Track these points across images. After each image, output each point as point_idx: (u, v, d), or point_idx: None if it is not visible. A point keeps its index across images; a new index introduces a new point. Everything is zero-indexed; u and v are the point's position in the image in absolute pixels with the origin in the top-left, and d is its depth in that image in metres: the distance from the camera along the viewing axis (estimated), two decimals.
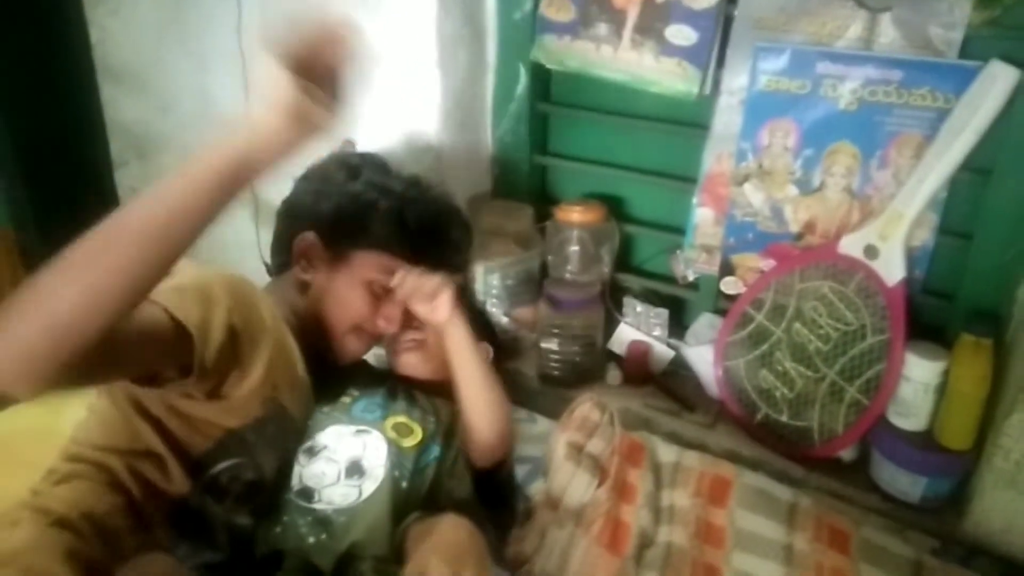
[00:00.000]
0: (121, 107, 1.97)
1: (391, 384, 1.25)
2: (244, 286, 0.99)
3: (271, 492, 1.08)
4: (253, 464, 1.04)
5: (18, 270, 2.83)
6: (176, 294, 0.85)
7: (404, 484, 1.08)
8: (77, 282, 0.67)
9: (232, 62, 1.68)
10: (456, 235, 1.24)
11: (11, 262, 2.81)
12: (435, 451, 1.16)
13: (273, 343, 1.00)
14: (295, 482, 1.09)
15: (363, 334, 1.18)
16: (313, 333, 1.14)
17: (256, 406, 1.01)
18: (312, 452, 1.12)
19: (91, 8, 1.89)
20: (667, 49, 1.33)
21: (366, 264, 1.15)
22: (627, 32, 1.36)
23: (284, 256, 1.19)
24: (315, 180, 1.21)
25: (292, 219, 1.20)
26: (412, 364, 1.27)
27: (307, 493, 1.08)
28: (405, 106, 1.51)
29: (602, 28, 1.38)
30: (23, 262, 2.83)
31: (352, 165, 1.21)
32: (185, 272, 0.94)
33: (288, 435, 1.09)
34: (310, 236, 1.15)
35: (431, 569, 0.91)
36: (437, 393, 1.25)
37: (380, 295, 1.17)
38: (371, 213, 1.15)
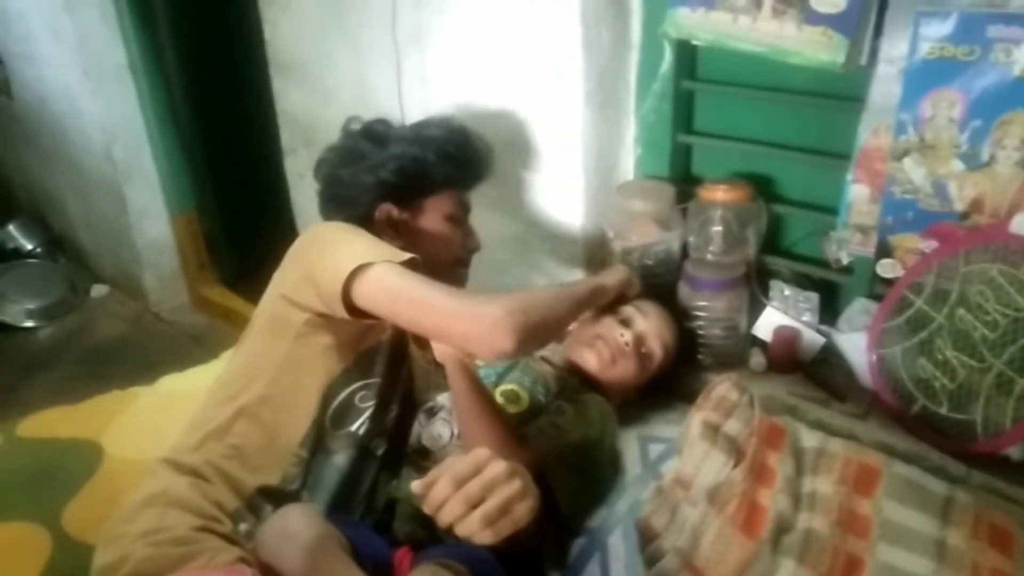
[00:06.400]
0: (290, 98, 2.11)
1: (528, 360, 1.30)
2: None
3: (393, 440, 1.17)
4: (376, 390, 1.16)
5: (201, 252, 3.11)
6: (376, 246, 1.10)
7: None
8: (547, 325, 1.10)
9: (387, 53, 1.77)
10: (483, 144, 1.43)
11: (195, 244, 3.09)
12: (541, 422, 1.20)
13: None
14: (414, 440, 1.18)
15: (463, 263, 1.41)
16: None
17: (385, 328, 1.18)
18: (432, 412, 1.21)
19: (265, 6, 2.03)
20: (811, 17, 1.27)
21: (440, 204, 1.36)
22: (768, 1, 1.31)
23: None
24: (355, 159, 1.34)
25: (351, 202, 1.32)
26: (584, 357, 1.34)
27: (423, 453, 1.17)
28: (547, 87, 1.53)
29: None
30: (206, 245, 3.11)
31: (378, 134, 1.38)
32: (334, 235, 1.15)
33: (402, 364, 1.22)
34: (386, 206, 1.31)
35: None
36: (597, 389, 1.32)
37: (458, 222, 1.38)
38: (426, 165, 1.33)
